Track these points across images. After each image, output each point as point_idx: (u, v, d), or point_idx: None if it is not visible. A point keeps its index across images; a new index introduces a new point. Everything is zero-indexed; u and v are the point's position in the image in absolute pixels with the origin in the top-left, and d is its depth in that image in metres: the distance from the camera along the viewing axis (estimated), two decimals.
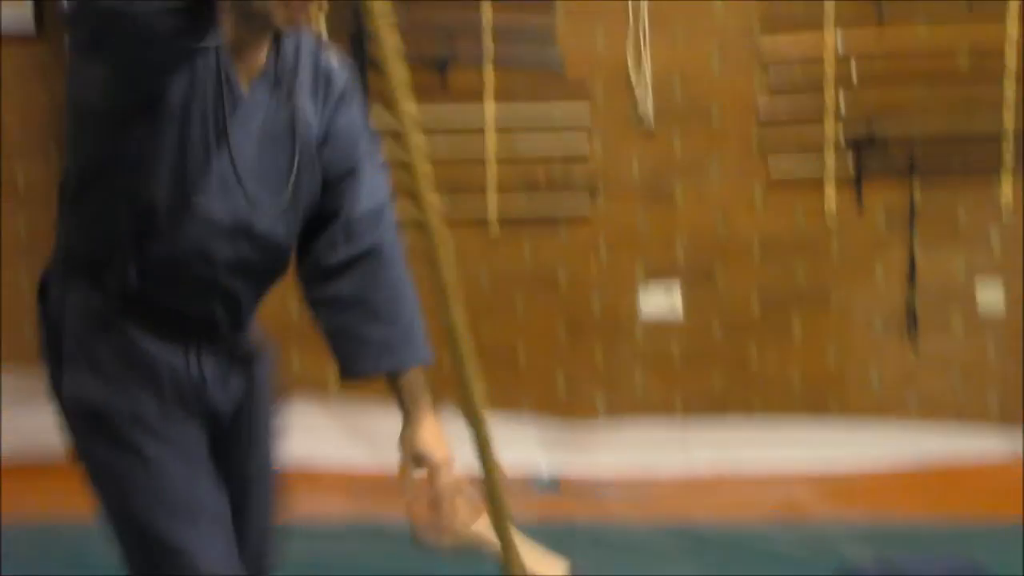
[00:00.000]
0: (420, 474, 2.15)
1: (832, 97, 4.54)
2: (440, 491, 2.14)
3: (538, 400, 4.67)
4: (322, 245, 2.22)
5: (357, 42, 4.54)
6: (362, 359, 2.19)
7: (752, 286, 4.65)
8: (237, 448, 2.23)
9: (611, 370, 4.67)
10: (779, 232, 4.63)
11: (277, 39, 2.08)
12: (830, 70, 4.53)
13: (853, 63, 4.52)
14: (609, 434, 4.62)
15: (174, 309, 2.12)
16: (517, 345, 4.68)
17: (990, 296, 4.61)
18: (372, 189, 2.22)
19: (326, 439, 4.45)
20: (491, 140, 4.59)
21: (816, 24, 4.52)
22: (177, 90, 1.96)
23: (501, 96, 4.59)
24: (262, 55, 2.07)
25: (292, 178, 2.10)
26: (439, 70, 4.55)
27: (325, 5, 2.07)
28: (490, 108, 4.58)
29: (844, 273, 4.64)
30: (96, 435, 2.13)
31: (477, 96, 4.58)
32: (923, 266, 4.60)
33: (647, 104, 4.55)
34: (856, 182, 4.57)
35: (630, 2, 4.54)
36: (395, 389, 2.18)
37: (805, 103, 4.56)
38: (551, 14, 4.58)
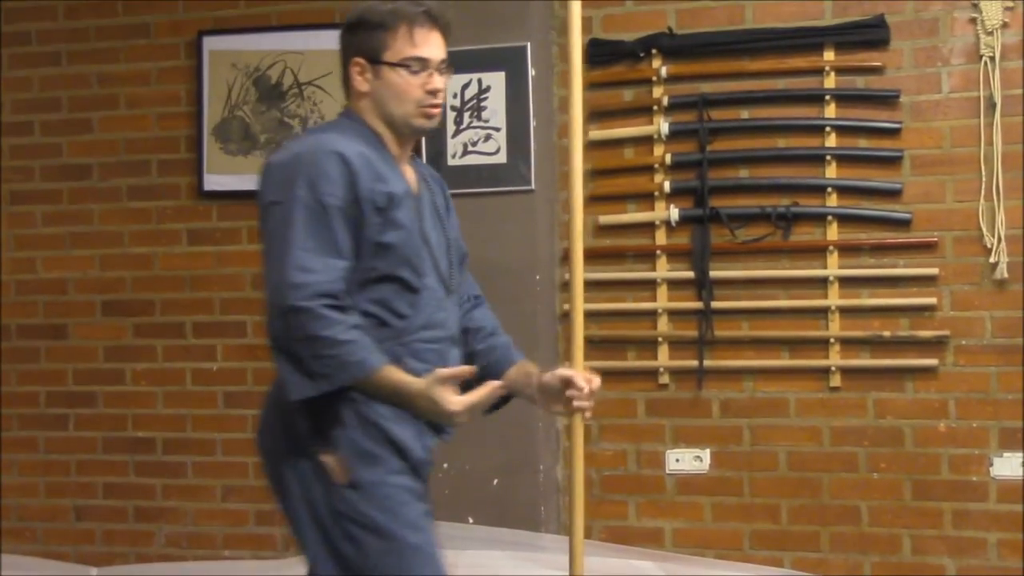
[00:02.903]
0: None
1: None
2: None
3: (882, 563, 4.51)
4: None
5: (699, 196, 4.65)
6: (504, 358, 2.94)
7: None
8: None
9: (960, 534, 4.46)
10: None
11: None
12: None
13: None
14: None
15: None
16: (859, 503, 4.54)
17: None
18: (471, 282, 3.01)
19: None
20: (834, 293, 4.55)
21: None
22: (406, 202, 2.72)
23: (844, 251, 4.56)
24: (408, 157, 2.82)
25: (450, 248, 2.83)
26: (781, 225, 4.58)
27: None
28: (833, 261, 4.55)
29: None
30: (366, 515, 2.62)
31: (820, 251, 4.57)
32: None
33: (1000, 256, 4.40)
34: None
35: (982, 151, 4.44)
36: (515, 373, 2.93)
37: None
38: (898, 169, 4.53)
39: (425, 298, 2.71)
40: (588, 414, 2.91)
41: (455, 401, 2.58)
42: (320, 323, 2.51)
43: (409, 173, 2.78)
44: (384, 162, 2.69)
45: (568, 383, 2.85)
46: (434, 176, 2.95)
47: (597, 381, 2.88)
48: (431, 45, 2.70)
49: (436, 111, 2.74)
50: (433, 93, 2.70)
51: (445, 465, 4.69)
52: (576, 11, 3.07)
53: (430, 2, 2.73)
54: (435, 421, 2.66)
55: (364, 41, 2.70)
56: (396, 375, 2.59)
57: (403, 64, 2.68)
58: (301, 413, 2.60)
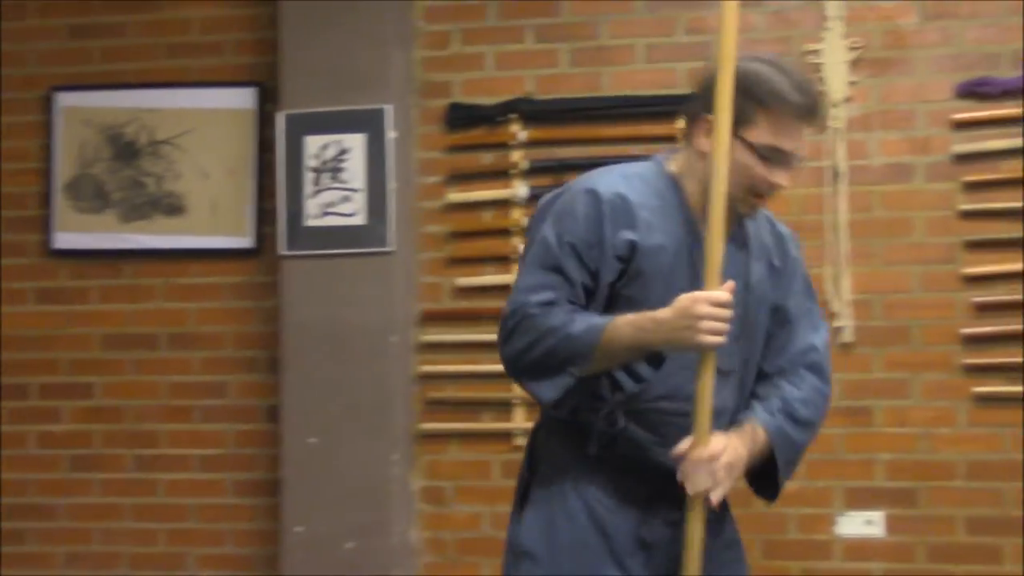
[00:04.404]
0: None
1: None
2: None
3: None
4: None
5: None
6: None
7: (959, 510, 4.49)
8: None
9: None
10: (985, 455, 4.48)
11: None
12: None
13: None
14: None
15: (643, 460, 2.48)
16: None
17: None
18: (800, 341, 2.66)
19: None
20: None
21: (1019, 244, 4.46)
22: (665, 257, 2.49)
23: None
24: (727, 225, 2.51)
25: (740, 325, 2.50)
26: None
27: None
28: None
29: None
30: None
31: None
32: None
33: (847, 321, 4.52)
34: None
35: (828, 219, 4.58)
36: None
37: (1010, 322, 4.47)
38: None
39: (672, 365, 2.49)
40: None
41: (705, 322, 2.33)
42: (536, 320, 2.45)
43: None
44: (664, 213, 2.51)
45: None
46: (778, 237, 2.71)
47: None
48: (795, 140, 2.48)
49: (763, 202, 2.55)
50: (772, 187, 2.49)
51: (297, 528, 4.63)
52: None
53: (817, 93, 2.50)
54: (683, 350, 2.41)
55: (736, 107, 2.42)
56: (627, 318, 2.40)
57: (759, 149, 2.45)
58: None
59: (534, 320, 2.45)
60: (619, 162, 4.64)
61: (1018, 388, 4.46)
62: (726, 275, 2.43)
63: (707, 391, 2.40)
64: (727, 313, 2.34)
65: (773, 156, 2.45)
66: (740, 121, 2.42)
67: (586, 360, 2.42)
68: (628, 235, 2.46)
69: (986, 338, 4.49)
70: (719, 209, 2.40)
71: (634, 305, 2.44)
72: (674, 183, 2.56)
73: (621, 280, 2.47)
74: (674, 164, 2.60)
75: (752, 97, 2.42)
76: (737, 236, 2.58)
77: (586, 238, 2.46)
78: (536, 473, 2.65)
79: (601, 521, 2.53)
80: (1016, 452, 4.46)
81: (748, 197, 2.49)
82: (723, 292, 2.35)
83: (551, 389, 2.46)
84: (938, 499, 4.51)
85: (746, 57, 2.49)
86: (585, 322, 2.41)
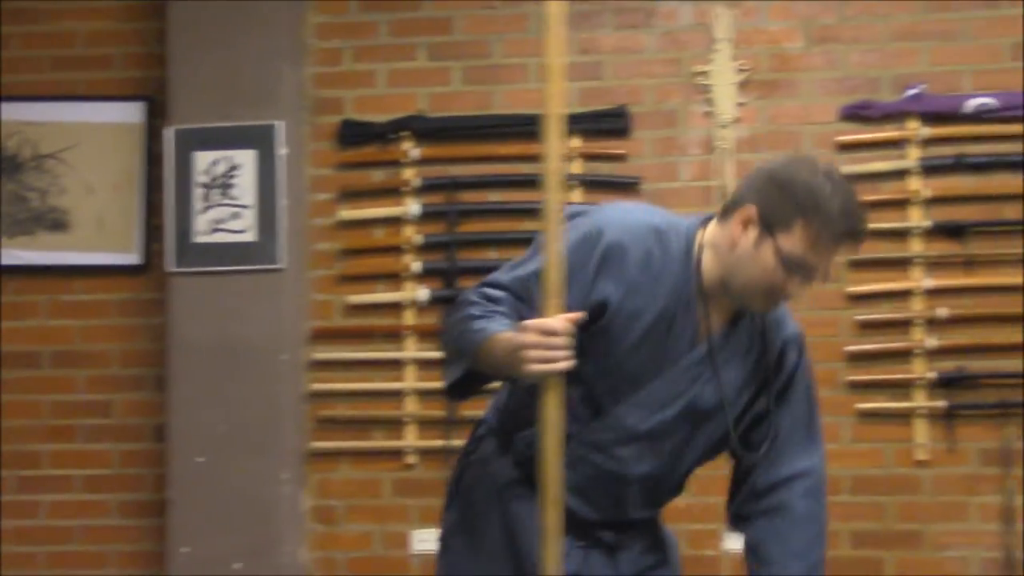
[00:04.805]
0: None
1: (920, 335, 4.55)
2: None
3: None
4: (741, 494, 2.63)
5: None
6: None
7: (843, 524, 4.57)
8: None
9: None
10: (869, 470, 4.57)
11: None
12: (918, 307, 4.56)
13: (941, 302, 4.54)
14: None
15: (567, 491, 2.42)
16: None
17: None
18: (794, 457, 2.58)
19: None
20: None
21: (903, 263, 4.57)
22: (640, 322, 2.41)
23: None
24: (723, 316, 2.49)
25: (688, 407, 2.47)
26: None
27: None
28: None
29: (936, 513, 4.54)
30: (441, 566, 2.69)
31: None
32: (1020, 507, 4.49)
33: None
34: (947, 420, 4.52)
35: None
36: None
37: (893, 340, 4.57)
38: None
39: (607, 422, 2.49)
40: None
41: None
42: (467, 306, 2.43)
43: (717, 316, 2.49)
44: (661, 278, 2.43)
45: None
46: (782, 342, 2.57)
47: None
48: (825, 260, 2.37)
49: (775, 306, 2.47)
50: (786, 296, 2.41)
51: (183, 549, 4.56)
52: None
53: (863, 218, 2.38)
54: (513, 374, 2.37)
55: (776, 203, 2.35)
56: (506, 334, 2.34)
57: (786, 258, 2.35)
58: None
59: (467, 305, 2.44)
60: (512, 179, 4.72)
61: (900, 404, 4.56)
62: (698, 355, 2.46)
63: (552, 424, 2.34)
64: (559, 341, 2.26)
65: (798, 268, 2.36)
66: (777, 222, 2.34)
67: (469, 358, 2.41)
68: (606, 290, 2.41)
69: (869, 355, 4.59)
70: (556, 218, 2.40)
71: (592, 357, 2.41)
72: (692, 252, 2.46)
73: (586, 329, 2.39)
74: (708, 232, 2.48)
75: (798, 204, 2.33)
76: (735, 325, 2.52)
77: (578, 273, 2.40)
78: (462, 480, 2.72)
79: (514, 537, 2.56)
80: (898, 467, 4.56)
81: (759, 297, 2.41)
82: (556, 320, 2.28)
83: (447, 374, 2.50)
84: None
85: (804, 160, 2.44)
86: (486, 323, 2.37)
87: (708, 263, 2.44)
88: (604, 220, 2.47)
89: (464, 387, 2.51)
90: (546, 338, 2.25)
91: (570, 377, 2.33)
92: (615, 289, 2.40)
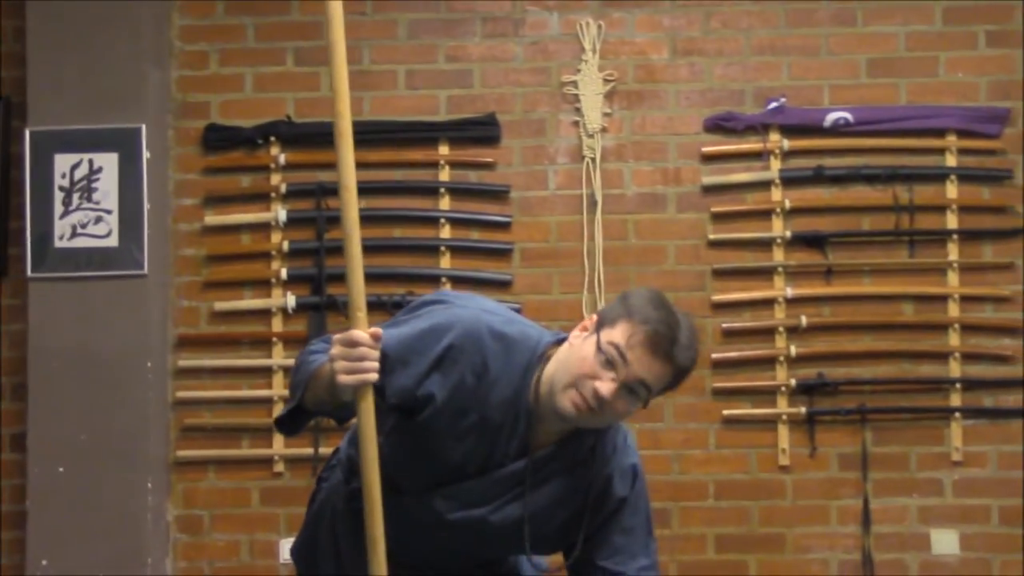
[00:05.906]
0: None
1: (783, 343, 4.66)
2: None
3: None
4: None
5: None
6: None
7: (707, 529, 4.66)
8: None
9: None
10: (733, 475, 4.66)
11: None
12: (780, 315, 4.66)
13: (802, 310, 4.66)
14: None
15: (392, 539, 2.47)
16: None
17: (945, 542, 4.63)
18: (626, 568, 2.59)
19: None
20: None
21: (766, 272, 4.68)
22: (476, 418, 2.47)
23: None
24: (553, 435, 2.53)
25: (495, 532, 2.54)
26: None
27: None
28: None
29: (798, 516, 4.65)
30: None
31: None
32: (877, 510, 4.62)
33: None
34: (808, 426, 4.64)
35: (585, 245, 4.69)
36: None
37: (757, 347, 4.67)
38: (508, 261, 4.72)
39: (401, 507, 2.53)
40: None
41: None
42: (306, 351, 2.54)
43: (543, 434, 2.51)
44: (495, 385, 2.45)
45: None
46: (613, 472, 2.61)
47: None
48: (642, 366, 2.38)
49: (583, 405, 2.38)
50: (595, 391, 2.37)
51: (43, 562, 4.45)
52: None
53: (680, 342, 2.39)
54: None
55: (610, 309, 2.45)
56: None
57: (602, 345, 2.39)
58: None
59: (310, 350, 2.53)
60: (381, 186, 4.71)
61: (764, 410, 4.66)
62: (516, 469, 2.50)
63: (368, 439, 2.39)
64: (363, 352, 2.31)
65: (612, 356, 2.38)
66: (606, 322, 2.42)
67: (303, 387, 2.47)
68: (433, 387, 2.43)
69: (734, 362, 4.68)
70: (354, 227, 2.58)
71: (414, 439, 2.48)
72: (533, 368, 2.49)
73: (409, 416, 2.46)
74: (552, 356, 2.51)
75: (627, 309, 2.41)
76: (564, 446, 2.55)
77: (401, 353, 2.43)
78: (313, 503, 2.84)
79: (343, 559, 2.67)
80: (761, 472, 4.66)
81: (570, 389, 2.40)
82: (359, 332, 2.32)
83: (284, 409, 2.55)
84: (689, 519, 4.67)
85: (655, 292, 2.49)
86: (320, 356, 2.43)
87: (547, 376, 2.47)
88: (455, 319, 2.47)
89: (293, 421, 2.56)
90: (351, 349, 2.31)
91: (386, 453, 2.45)
92: (441, 388, 2.43)
